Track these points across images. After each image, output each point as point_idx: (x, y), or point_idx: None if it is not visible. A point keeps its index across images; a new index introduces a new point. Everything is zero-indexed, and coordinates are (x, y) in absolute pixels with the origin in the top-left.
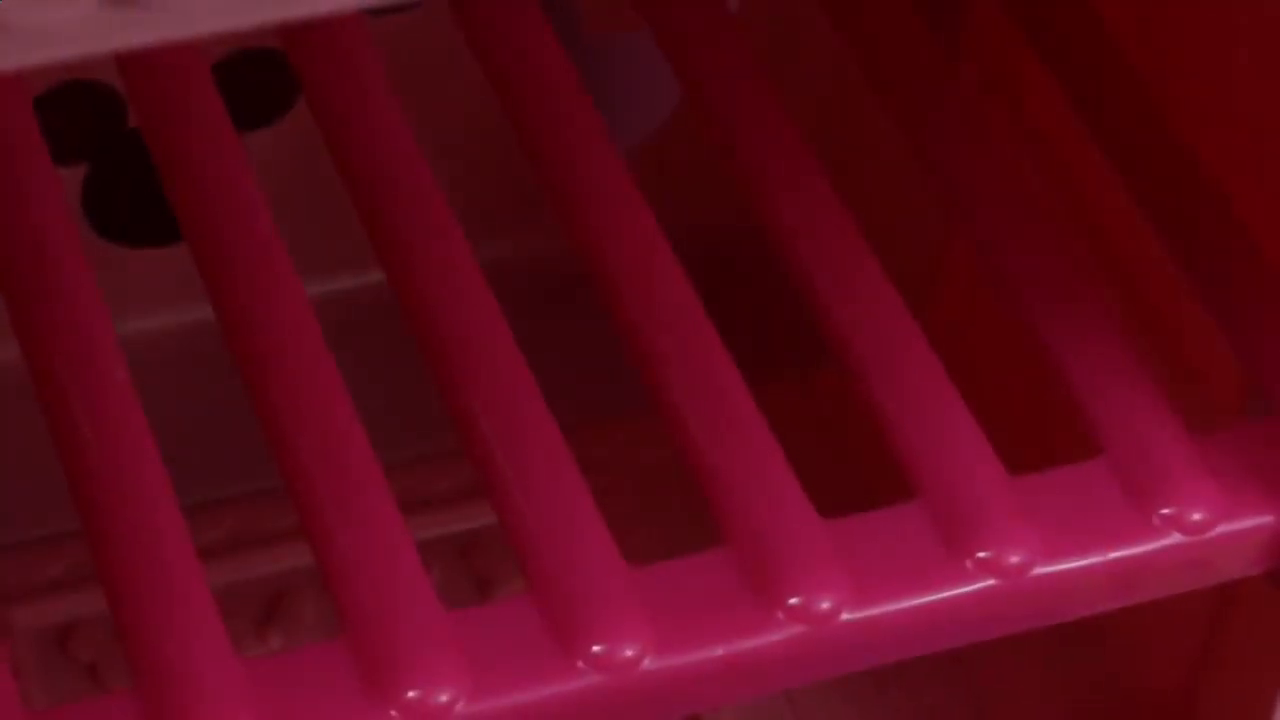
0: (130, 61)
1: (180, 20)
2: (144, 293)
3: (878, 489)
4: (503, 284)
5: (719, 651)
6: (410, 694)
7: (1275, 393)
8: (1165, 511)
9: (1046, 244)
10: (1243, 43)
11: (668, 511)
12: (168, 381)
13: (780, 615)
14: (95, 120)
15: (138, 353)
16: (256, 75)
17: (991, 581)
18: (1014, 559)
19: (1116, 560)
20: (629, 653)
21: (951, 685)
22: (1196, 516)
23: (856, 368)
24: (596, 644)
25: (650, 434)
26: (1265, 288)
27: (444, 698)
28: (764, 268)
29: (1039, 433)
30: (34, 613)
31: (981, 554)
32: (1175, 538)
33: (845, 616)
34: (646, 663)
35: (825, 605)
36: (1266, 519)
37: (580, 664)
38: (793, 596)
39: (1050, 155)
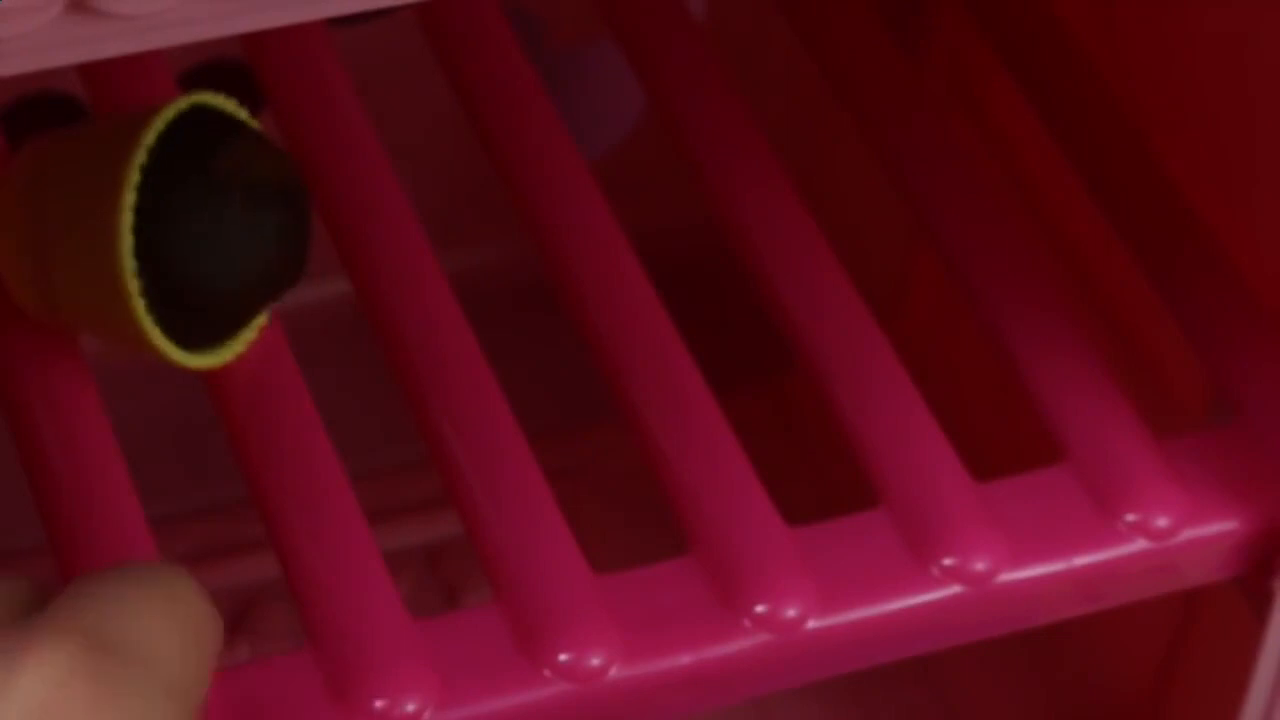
0: (94, 73)
1: (143, 32)
2: None
3: (845, 496)
4: (472, 291)
5: (685, 660)
6: (377, 703)
7: (1240, 399)
8: (1130, 518)
9: (1012, 253)
10: (1214, 50)
11: (639, 519)
12: (136, 393)
13: (747, 623)
14: None
15: (106, 365)
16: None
17: (957, 588)
18: (979, 565)
19: (1082, 566)
20: (595, 661)
21: (924, 689)
22: (1161, 522)
23: (821, 374)
24: (563, 653)
25: (621, 442)
26: (1230, 294)
27: (410, 707)
28: (731, 275)
29: (1007, 439)
30: None
31: (947, 561)
32: (1140, 544)
33: (811, 624)
34: (613, 671)
35: (791, 613)
36: (1231, 524)
37: (547, 672)
38: (759, 604)
39: (1015, 165)
